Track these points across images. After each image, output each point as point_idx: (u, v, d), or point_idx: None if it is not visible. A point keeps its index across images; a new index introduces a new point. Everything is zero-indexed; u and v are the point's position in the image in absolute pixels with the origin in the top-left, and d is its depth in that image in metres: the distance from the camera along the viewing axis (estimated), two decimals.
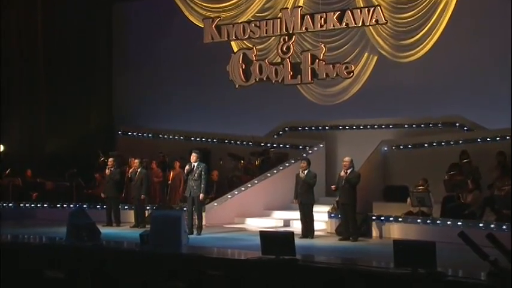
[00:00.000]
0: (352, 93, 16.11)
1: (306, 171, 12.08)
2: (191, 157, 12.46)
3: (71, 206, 15.33)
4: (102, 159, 16.97)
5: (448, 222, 11.40)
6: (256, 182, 15.17)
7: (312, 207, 12.10)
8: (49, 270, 8.37)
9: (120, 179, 14.29)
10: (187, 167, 12.43)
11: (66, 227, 10.58)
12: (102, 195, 14.29)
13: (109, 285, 8.15)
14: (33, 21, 18.41)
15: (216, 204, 14.64)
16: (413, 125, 15.76)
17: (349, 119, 16.46)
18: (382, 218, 12.35)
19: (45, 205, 15.90)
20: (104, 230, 11.74)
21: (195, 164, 12.38)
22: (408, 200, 12.48)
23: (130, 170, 14.34)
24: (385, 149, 15.08)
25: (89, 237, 9.95)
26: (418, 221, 11.88)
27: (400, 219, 12.15)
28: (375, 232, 12.36)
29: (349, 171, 11.81)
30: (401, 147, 15.05)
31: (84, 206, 14.60)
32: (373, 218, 12.47)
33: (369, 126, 16.23)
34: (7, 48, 17.99)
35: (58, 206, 15.79)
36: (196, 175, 12.28)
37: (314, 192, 12.20)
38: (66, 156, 17.70)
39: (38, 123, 18.61)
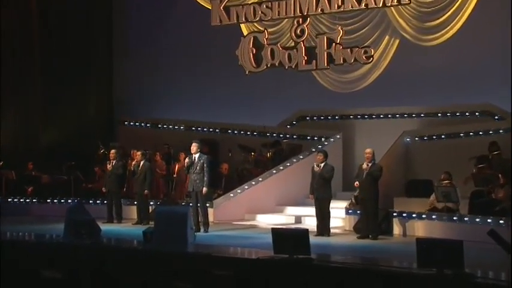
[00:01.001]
0: (372, 80, 16.05)
1: (322, 164, 12.04)
2: (191, 148, 12.44)
3: (69, 201, 15.38)
4: (102, 151, 17.02)
5: (477, 220, 11.33)
6: (267, 175, 15.16)
7: (329, 203, 12.08)
8: (46, 270, 8.40)
9: (123, 173, 14.32)
10: (186, 160, 12.42)
11: (63, 223, 10.63)
12: (104, 189, 14.32)
13: (109, 286, 8.18)
14: (29, 6, 18.43)
15: (224, 199, 14.64)
16: (439, 114, 15.66)
17: (369, 107, 16.39)
18: (404, 215, 12.31)
19: (41, 200, 15.98)
20: (104, 227, 11.80)
21: (196, 156, 12.34)
22: (433, 195, 12.42)
23: (133, 163, 14.36)
24: (408, 140, 15.01)
25: (88, 234, 9.99)
26: (444, 217, 11.82)
27: (423, 216, 12.10)
28: (396, 230, 12.32)
29: (370, 163, 11.77)
30: (425, 138, 14.96)
31: (83, 201, 14.67)
32: (395, 214, 12.43)
33: (389, 116, 16.15)
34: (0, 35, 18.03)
35: (55, 201, 15.85)
36: (198, 168, 12.25)
37: (331, 187, 12.16)
38: (63, 148, 17.77)
39: (33, 113, 18.69)
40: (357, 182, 11.87)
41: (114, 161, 14.19)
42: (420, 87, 15.64)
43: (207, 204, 12.89)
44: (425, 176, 13.71)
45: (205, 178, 12.22)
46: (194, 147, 12.38)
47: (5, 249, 9.38)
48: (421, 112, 15.89)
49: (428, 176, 13.53)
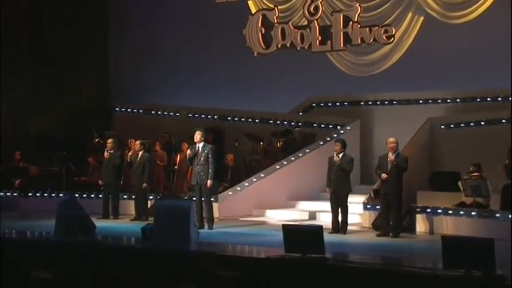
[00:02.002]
0: (393, 62, 15.98)
1: (340, 155, 12.02)
2: (195, 137, 12.43)
3: (60, 195, 15.42)
4: (96, 140, 17.04)
5: (510, 216, 11.28)
6: (278, 167, 15.17)
7: (347, 197, 12.08)
8: (35, 270, 8.44)
9: (120, 163, 14.35)
10: (188, 151, 12.41)
11: (54, 219, 10.65)
12: (100, 182, 14.36)
13: (106, 287, 8.21)
14: None
15: (230, 193, 14.66)
16: (467, 99, 15.61)
17: (389, 92, 16.33)
18: (429, 210, 12.28)
19: (29, 194, 16.03)
20: (100, 223, 11.84)
21: (200, 146, 12.33)
22: (460, 188, 12.37)
23: (130, 153, 14.38)
24: (433, 128, 14.93)
25: (82, 231, 10.03)
26: (473, 213, 11.78)
27: (450, 212, 12.07)
28: (419, 226, 12.30)
29: (395, 154, 11.73)
30: (451, 125, 14.91)
31: (76, 195, 14.74)
32: (418, 209, 12.39)
33: (412, 101, 16.10)
34: None
35: (45, 195, 15.90)
36: (202, 159, 12.25)
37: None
38: (54, 137, 17.79)
39: (21, 99, 18.70)
40: (384, 174, 11.77)
41: (112, 151, 14.20)
42: (446, 70, 15.55)
43: (212, 199, 12.90)
44: (452, 168, 13.65)
45: (210, 170, 12.21)
46: (198, 135, 12.36)
47: None
48: (447, 97, 15.83)
49: (455, 168, 13.48)
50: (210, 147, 12.39)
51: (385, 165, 11.75)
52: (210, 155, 12.26)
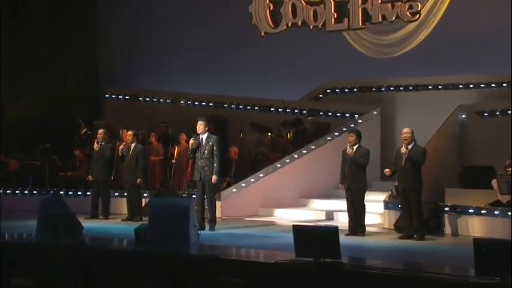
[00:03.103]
0: (418, 42, 15.92)
1: (355, 147, 12.01)
2: (197, 127, 12.43)
3: (43, 192, 15.45)
4: (84, 130, 17.06)
5: (509, 213, 11.34)
6: (287, 161, 15.18)
7: (364, 195, 12.07)
8: (14, 277, 8.46)
9: (111, 157, 14.38)
10: (191, 141, 12.39)
11: (36, 219, 10.66)
12: (90, 177, 14.37)
13: None
14: None
15: (234, 190, 14.68)
16: (503, 84, 15.55)
17: (414, 76, 16.34)
18: (459, 210, 12.26)
19: (8, 191, 16.06)
20: (88, 223, 11.89)
21: (204, 137, 12.33)
22: (495, 185, 12.34)
23: (122, 146, 14.39)
24: (463, 116, 14.91)
25: (67, 233, 10.03)
26: (509, 213, 11.73)
27: (483, 212, 12.03)
28: (448, 228, 12.28)
29: (410, 146, 11.71)
30: (485, 113, 14.86)
31: (61, 192, 14.76)
32: (446, 209, 12.38)
33: (440, 87, 16.08)
34: None
35: (26, 192, 15.94)
36: (206, 152, 12.25)
37: (366, 175, 12.13)
38: (36, 127, 17.82)
39: None
40: (387, 169, 11.83)
41: (102, 143, 14.21)
42: (480, 50, 15.51)
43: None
44: (486, 162, 13.59)
45: (215, 164, 12.23)
46: (201, 126, 12.36)
47: None
48: (480, 82, 15.80)
49: (489, 162, 13.41)
50: (214, 138, 12.39)
51: (400, 158, 11.74)
52: (215, 147, 12.27)
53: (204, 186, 12.30)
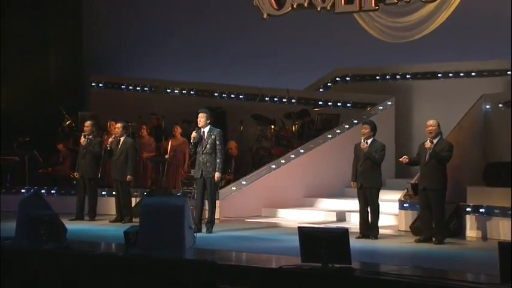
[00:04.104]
0: (438, 25, 15.84)
1: (369, 141, 12.01)
2: (198, 120, 12.43)
3: (23, 190, 15.48)
4: (67, 122, 17.06)
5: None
6: (293, 156, 15.20)
7: (378, 194, 12.08)
8: None
9: (100, 152, 14.38)
10: (193, 134, 12.39)
11: (15, 221, 10.65)
12: (75, 174, 14.39)
13: None
14: None
15: (234, 188, 14.72)
16: None
17: (432, 63, 16.37)
18: (482, 210, 12.27)
19: None
20: (72, 225, 11.86)
21: (205, 130, 12.35)
22: None
23: (110, 139, 14.40)
24: (488, 107, 14.88)
25: (49, 236, 10.02)
26: None
27: (509, 212, 12.02)
28: (470, 230, 12.31)
29: (435, 140, 11.70)
30: None
31: (42, 190, 14.74)
32: (468, 209, 12.40)
33: (462, 74, 16.11)
34: None
35: (3, 190, 15.92)
36: (208, 146, 12.26)
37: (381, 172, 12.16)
38: (14, 119, 17.81)
39: None
40: (405, 156, 11.81)
41: (90, 136, 14.22)
42: (506, 34, 15.43)
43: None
44: None
45: (218, 160, 12.26)
46: (202, 118, 12.37)
47: None
48: (506, 69, 15.77)
49: None
50: (217, 132, 12.39)
51: (424, 153, 11.73)
52: (217, 142, 12.29)
53: (205, 184, 12.31)
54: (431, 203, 11.67)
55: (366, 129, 12.09)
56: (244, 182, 14.81)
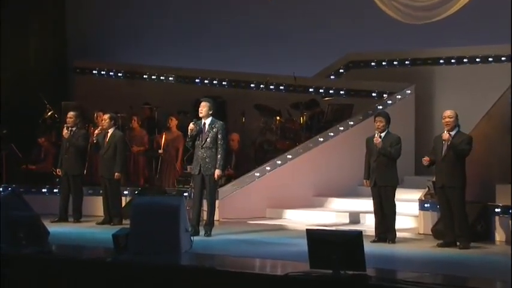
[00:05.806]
0: (463, 4, 15.86)
1: (383, 134, 12.02)
2: (199, 110, 12.44)
3: (0, 189, 15.49)
4: (50, 113, 17.07)
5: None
6: (301, 151, 15.23)
7: (394, 193, 12.09)
8: None
9: (85, 146, 14.42)
10: (191, 126, 12.38)
11: None
12: (58, 171, 14.43)
13: None
14: None
15: (235, 187, 14.73)
16: None
17: (457, 46, 16.40)
18: None
19: None
20: (55, 227, 11.93)
21: (207, 122, 12.36)
22: None
23: (96, 132, 14.43)
24: None
25: (30, 239, 10.04)
26: None
27: None
28: (498, 234, 12.30)
29: (453, 132, 11.70)
30: None
31: (22, 189, 14.76)
32: (497, 210, 12.38)
33: (490, 59, 16.13)
34: None
35: None
36: (208, 140, 12.27)
37: (397, 169, 12.14)
38: None
39: None
40: (426, 157, 11.79)
41: (74, 128, 14.25)
42: None
43: None
44: None
45: (218, 156, 12.26)
46: (204, 108, 12.35)
47: None
48: None
49: None
50: (220, 124, 12.37)
51: (440, 147, 11.73)
52: (219, 135, 12.28)
53: (204, 182, 12.31)
54: (450, 202, 11.68)
55: (381, 122, 12.06)
56: (246, 180, 14.82)
